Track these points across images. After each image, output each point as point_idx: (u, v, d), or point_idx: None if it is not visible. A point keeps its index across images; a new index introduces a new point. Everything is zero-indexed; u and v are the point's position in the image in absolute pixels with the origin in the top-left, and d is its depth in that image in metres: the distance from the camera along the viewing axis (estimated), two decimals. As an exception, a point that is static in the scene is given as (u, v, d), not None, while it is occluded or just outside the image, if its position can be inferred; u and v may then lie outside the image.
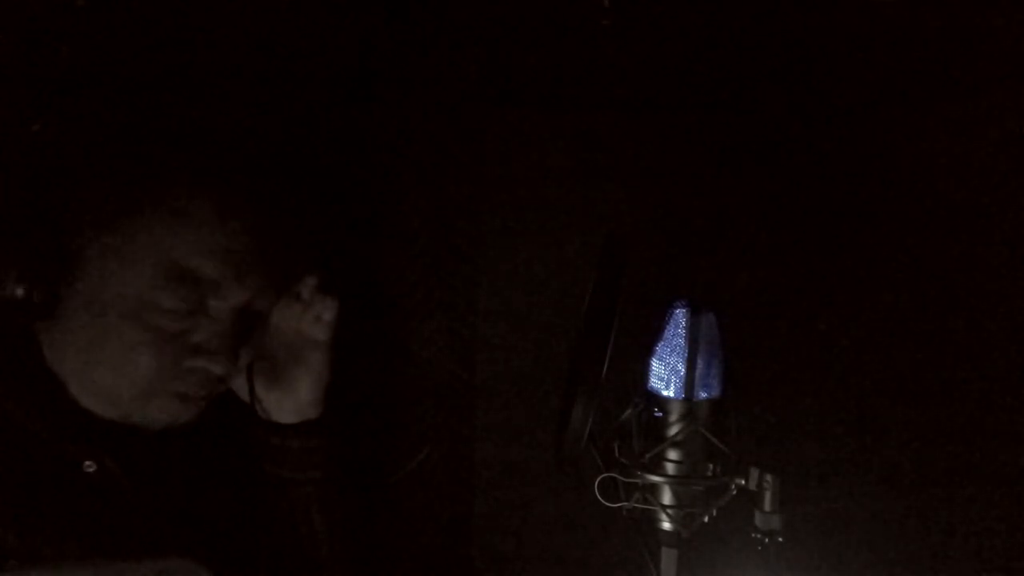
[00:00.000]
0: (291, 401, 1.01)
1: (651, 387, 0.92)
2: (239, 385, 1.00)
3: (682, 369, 0.90)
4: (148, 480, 0.91)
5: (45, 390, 0.89)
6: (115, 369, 0.89)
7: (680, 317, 0.90)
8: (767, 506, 0.90)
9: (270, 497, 1.01)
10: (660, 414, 0.91)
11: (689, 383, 0.89)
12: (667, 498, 0.91)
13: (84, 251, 0.87)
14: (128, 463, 0.90)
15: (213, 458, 0.98)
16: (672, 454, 0.91)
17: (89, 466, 0.88)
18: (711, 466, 0.91)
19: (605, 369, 0.85)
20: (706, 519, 0.92)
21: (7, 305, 0.84)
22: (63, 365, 0.90)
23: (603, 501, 0.91)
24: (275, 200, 0.97)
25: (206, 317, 0.91)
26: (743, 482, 0.91)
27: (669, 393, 0.90)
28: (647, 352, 0.92)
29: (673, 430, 0.90)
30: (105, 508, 0.88)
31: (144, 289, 0.87)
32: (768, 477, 0.90)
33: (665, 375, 0.91)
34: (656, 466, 0.91)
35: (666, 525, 0.92)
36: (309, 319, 1.01)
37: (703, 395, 0.91)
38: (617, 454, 0.93)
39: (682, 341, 0.90)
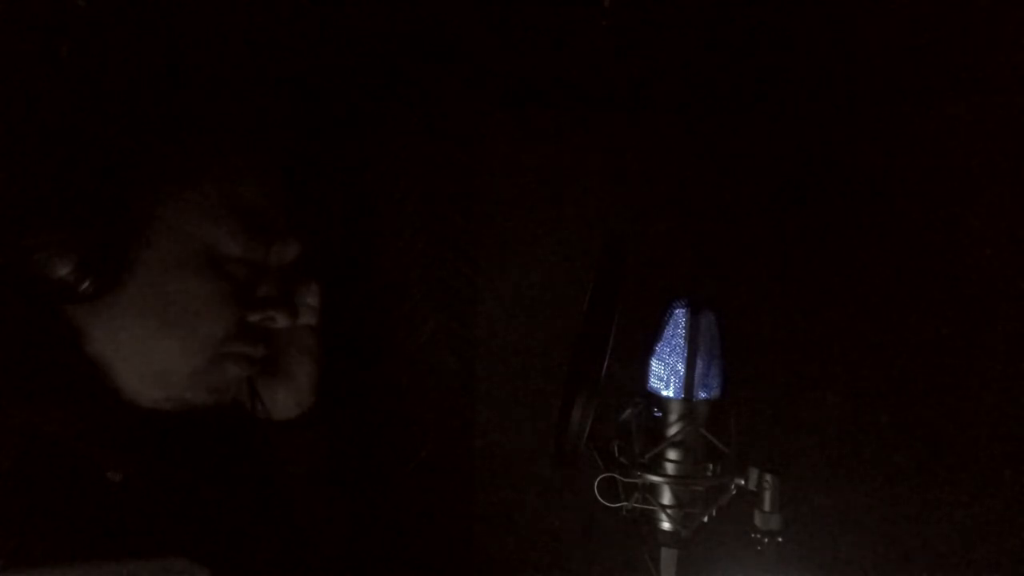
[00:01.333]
0: (292, 392, 1.00)
1: (651, 387, 0.92)
2: (240, 389, 0.99)
3: (682, 369, 0.90)
4: (168, 490, 0.89)
5: (80, 387, 0.85)
6: (184, 332, 0.86)
7: (680, 317, 0.90)
8: (767, 506, 0.90)
9: (273, 493, 1.01)
10: (660, 414, 0.91)
11: (689, 383, 0.89)
12: (667, 498, 0.91)
13: (156, 211, 0.84)
14: (153, 472, 0.88)
15: (225, 461, 0.98)
16: (672, 454, 0.91)
17: (114, 475, 0.85)
18: (711, 466, 0.91)
19: (605, 369, 0.85)
20: (706, 519, 0.92)
21: (59, 287, 0.78)
22: (116, 346, 0.85)
23: (603, 501, 0.91)
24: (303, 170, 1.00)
25: (268, 269, 0.91)
26: (743, 482, 0.91)
27: (669, 393, 0.90)
28: (647, 352, 0.92)
29: (673, 430, 0.90)
30: (115, 513, 0.87)
31: (221, 238, 0.87)
32: (768, 477, 0.90)
33: (665, 375, 0.91)
34: (656, 466, 0.91)
35: (666, 525, 0.92)
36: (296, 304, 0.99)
37: (703, 395, 0.90)
38: (617, 454, 0.93)
39: (682, 341, 0.90)
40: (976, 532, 1.25)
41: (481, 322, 1.25)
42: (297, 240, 0.93)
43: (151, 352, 0.86)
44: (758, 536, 0.91)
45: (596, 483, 0.91)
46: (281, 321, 0.92)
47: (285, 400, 1.00)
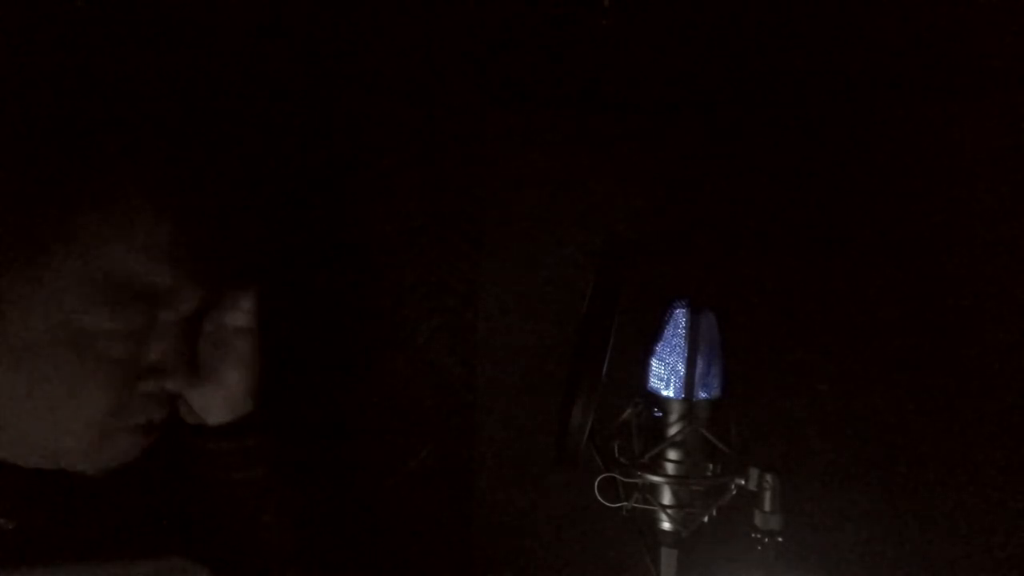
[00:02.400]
0: (224, 398, 0.91)
1: (651, 387, 0.92)
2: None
3: (682, 369, 0.90)
4: (80, 526, 0.82)
5: None
6: (57, 416, 0.77)
7: (680, 317, 0.90)
8: (767, 506, 0.90)
9: (214, 500, 0.93)
10: (660, 414, 0.91)
11: (689, 383, 0.89)
12: (667, 498, 0.91)
13: (5, 294, 0.74)
14: (57, 511, 0.81)
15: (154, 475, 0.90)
16: (672, 454, 0.91)
17: (5, 524, 0.78)
18: (711, 466, 0.91)
19: (605, 369, 0.85)
20: (706, 519, 0.92)
21: None
22: None
23: (603, 501, 0.91)
24: (218, 190, 0.87)
25: (155, 333, 0.80)
26: (743, 482, 0.91)
27: (669, 393, 0.90)
28: (647, 352, 0.92)
29: (673, 430, 0.90)
30: (116, 514, 0.85)
31: (81, 314, 0.75)
32: (768, 477, 0.90)
33: (665, 375, 0.91)
34: (656, 466, 0.91)
35: (666, 525, 0.92)
36: (228, 307, 0.92)
37: (703, 395, 0.91)
38: (617, 454, 0.93)
39: (682, 341, 0.90)
40: (976, 532, 1.25)
41: (481, 322, 1.25)
42: (197, 292, 0.81)
43: (23, 436, 0.78)
44: (758, 536, 0.91)
45: (596, 483, 0.91)
46: (176, 387, 0.82)
47: (217, 405, 0.91)
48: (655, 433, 0.91)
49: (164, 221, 0.78)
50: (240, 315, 0.92)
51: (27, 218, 0.75)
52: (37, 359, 0.75)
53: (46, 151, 0.77)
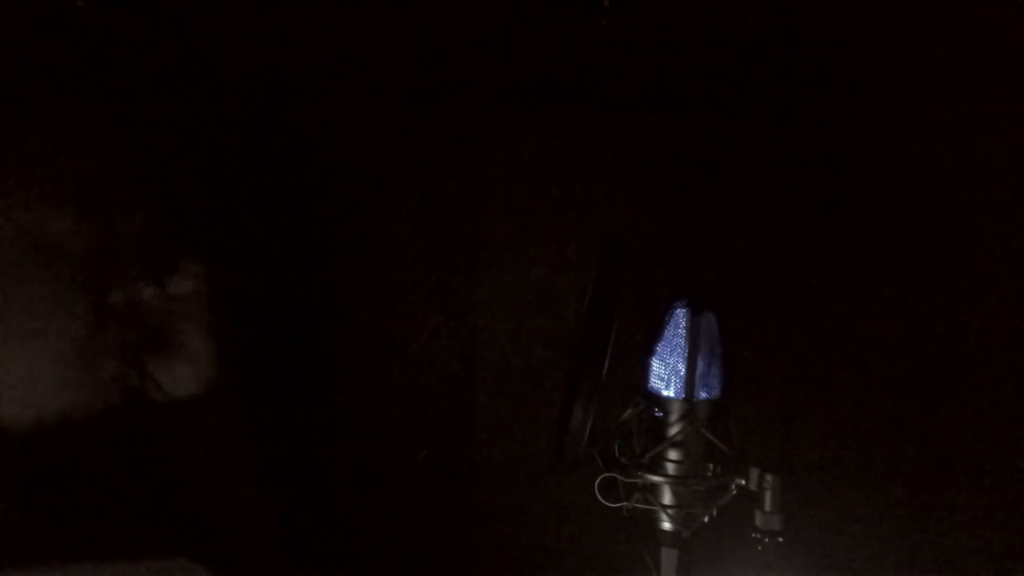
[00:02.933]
0: (188, 364, 0.92)
1: (651, 387, 0.92)
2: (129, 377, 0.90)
3: (682, 369, 0.90)
4: (80, 526, 0.81)
5: None
6: (36, 344, 0.75)
7: (680, 317, 0.90)
8: (767, 506, 0.90)
9: (182, 483, 0.93)
10: (660, 414, 0.91)
11: (689, 383, 0.89)
12: (667, 498, 0.91)
13: None
14: (57, 511, 0.80)
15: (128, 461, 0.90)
16: (672, 454, 0.91)
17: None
18: (711, 466, 0.91)
19: (605, 369, 0.85)
20: (706, 519, 0.92)
21: None
22: None
23: (603, 501, 0.90)
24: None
25: (117, 241, 0.79)
26: (743, 482, 0.91)
27: (669, 393, 0.90)
28: (647, 352, 0.92)
29: (673, 430, 0.90)
30: (115, 513, 0.85)
31: (49, 218, 0.74)
32: (768, 477, 0.90)
33: (665, 375, 0.91)
34: (656, 466, 0.91)
35: (666, 525, 0.92)
36: (189, 281, 0.92)
37: (703, 395, 0.90)
38: (617, 454, 0.93)
39: (682, 341, 0.90)
40: (976, 532, 1.25)
41: (481, 322, 1.25)
42: (148, 207, 0.81)
43: (4, 368, 0.76)
44: (758, 536, 0.91)
45: (596, 483, 0.91)
46: (147, 293, 0.82)
47: (183, 374, 0.92)
48: (655, 433, 0.91)
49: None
50: (184, 280, 0.91)
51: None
52: (8, 278, 0.73)
53: None
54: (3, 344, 0.76)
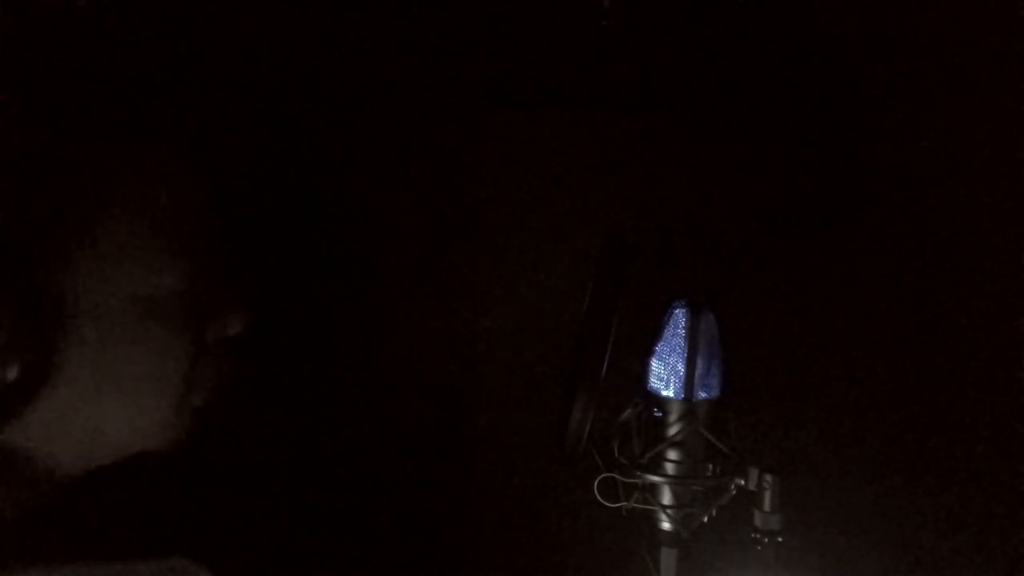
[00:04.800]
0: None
1: (651, 387, 0.92)
2: None
3: (682, 369, 0.90)
4: (80, 526, 0.77)
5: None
6: (138, 401, 0.71)
7: (680, 317, 0.90)
8: (767, 506, 0.90)
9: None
10: (660, 414, 0.91)
11: (689, 383, 0.89)
12: (667, 498, 0.91)
13: (63, 273, 0.67)
14: (57, 511, 0.76)
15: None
16: (672, 454, 0.91)
17: None
18: (711, 466, 0.91)
19: (605, 369, 0.85)
20: (706, 519, 0.92)
21: None
22: (55, 431, 0.69)
23: (603, 501, 0.91)
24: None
25: (203, 278, 0.75)
26: (743, 482, 0.91)
27: (669, 393, 0.90)
28: (647, 352, 0.92)
29: (673, 430, 0.90)
30: (115, 513, 0.85)
31: (149, 276, 0.69)
32: (768, 477, 0.90)
33: (665, 375, 0.91)
34: (656, 466, 0.91)
35: (666, 525, 0.92)
36: None
37: (703, 395, 0.90)
38: (617, 454, 0.93)
39: (682, 341, 0.90)
40: (976, 532, 1.25)
41: (481, 322, 1.25)
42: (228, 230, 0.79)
43: (102, 433, 0.71)
44: (758, 536, 0.91)
45: (596, 483, 0.91)
46: (237, 327, 0.78)
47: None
48: (655, 433, 0.91)
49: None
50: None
51: (80, 173, 0.67)
52: (114, 338, 0.68)
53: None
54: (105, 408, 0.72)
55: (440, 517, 1.28)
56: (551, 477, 1.26)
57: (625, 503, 0.92)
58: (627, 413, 0.94)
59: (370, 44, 1.17)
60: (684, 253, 1.23)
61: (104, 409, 0.70)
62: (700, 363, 0.90)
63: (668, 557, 0.92)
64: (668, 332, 0.91)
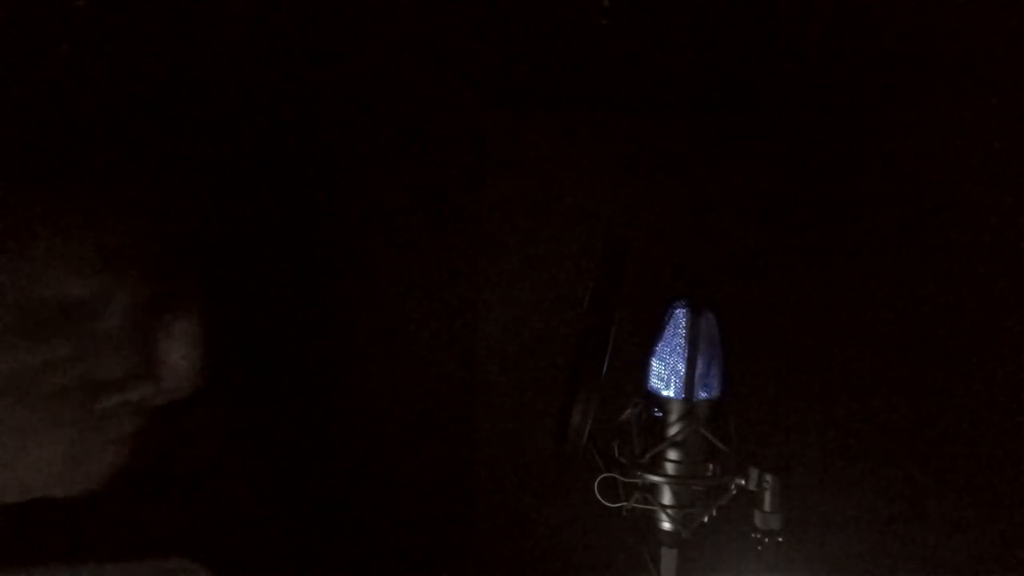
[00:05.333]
0: (173, 371, 0.87)
1: (651, 387, 0.92)
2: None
3: (682, 369, 0.90)
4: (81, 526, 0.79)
5: None
6: (23, 459, 0.73)
7: (680, 317, 0.90)
8: (767, 506, 0.90)
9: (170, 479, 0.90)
10: (660, 414, 0.91)
11: (689, 383, 0.89)
12: (667, 498, 0.91)
13: None
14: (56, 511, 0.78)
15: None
16: (672, 454, 0.91)
17: None
18: (711, 466, 0.91)
19: (605, 369, 0.85)
20: (706, 519, 0.92)
21: None
22: None
23: (603, 501, 0.91)
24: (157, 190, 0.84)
25: (99, 346, 0.76)
26: (743, 482, 0.91)
27: (669, 393, 0.90)
28: (647, 352, 0.92)
29: (673, 430, 0.90)
30: (115, 513, 0.85)
31: (18, 350, 0.71)
32: (768, 477, 0.90)
33: (665, 375, 0.91)
34: (656, 466, 0.91)
35: (666, 525, 0.92)
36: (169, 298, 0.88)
37: (703, 395, 0.90)
38: (617, 454, 0.93)
39: (682, 341, 0.90)
40: (976, 532, 1.25)
41: (481, 322, 1.25)
42: (131, 292, 0.78)
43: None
44: (758, 536, 0.91)
45: (596, 483, 0.91)
46: (137, 396, 0.79)
47: (171, 387, 0.88)
48: (655, 433, 0.91)
49: (89, 233, 0.74)
50: (182, 301, 0.89)
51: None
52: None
53: None
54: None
55: (440, 517, 1.28)
56: (551, 477, 1.26)
57: (625, 503, 0.92)
58: (627, 413, 0.94)
59: (370, 44, 1.17)
60: (684, 253, 1.22)
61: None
62: (700, 363, 0.90)
63: (668, 557, 0.92)
64: (668, 332, 0.91)
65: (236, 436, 1.06)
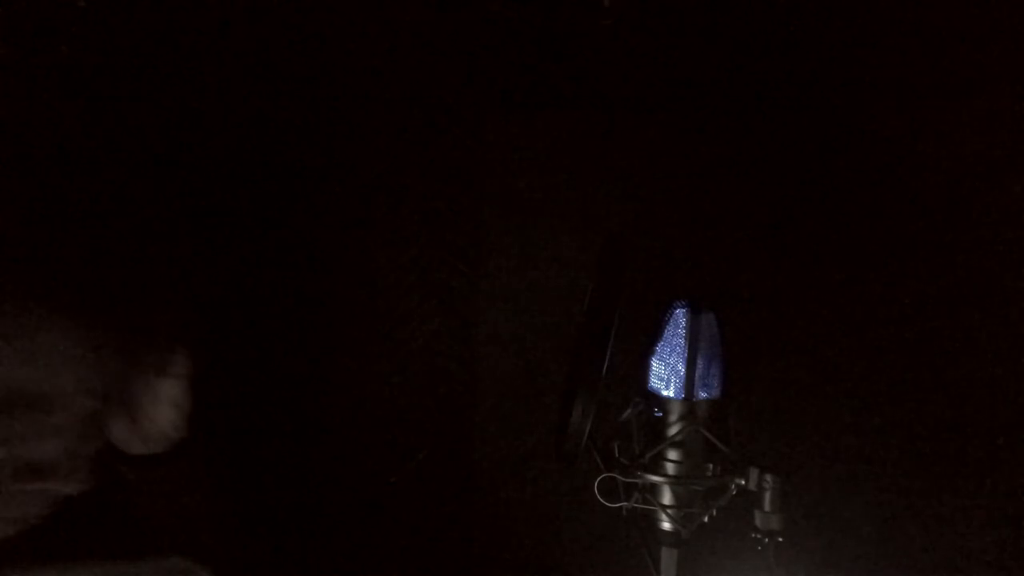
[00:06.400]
0: (145, 432, 0.87)
1: (651, 387, 0.92)
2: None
3: (682, 369, 0.90)
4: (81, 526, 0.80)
5: None
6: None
7: (680, 317, 0.90)
8: (767, 506, 0.90)
9: (148, 526, 0.90)
10: (660, 414, 0.91)
11: (689, 383, 0.89)
12: (667, 498, 0.91)
13: None
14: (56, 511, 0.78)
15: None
16: (672, 454, 0.91)
17: None
18: (711, 466, 0.91)
19: (605, 369, 0.85)
20: (706, 519, 0.92)
21: None
22: None
23: (603, 501, 0.90)
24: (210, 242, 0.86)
25: (41, 434, 0.75)
26: (743, 482, 0.91)
27: (669, 393, 0.90)
28: (647, 352, 0.92)
29: (673, 430, 0.90)
30: (115, 513, 0.85)
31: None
32: (768, 477, 0.90)
33: (665, 375, 0.91)
34: (656, 466, 0.91)
35: (666, 525, 0.92)
36: (157, 358, 0.86)
37: (703, 395, 0.90)
38: (617, 454, 0.93)
39: (682, 341, 0.90)
40: (976, 532, 1.25)
41: (481, 322, 1.25)
42: (90, 395, 0.76)
43: None
44: (758, 536, 0.90)
45: (596, 483, 0.91)
46: (65, 488, 0.77)
47: (138, 440, 0.87)
48: (655, 433, 0.91)
49: (64, 324, 0.73)
50: (172, 364, 0.87)
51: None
52: None
53: None
54: None
55: (440, 516, 1.28)
56: (551, 477, 1.26)
57: (625, 503, 0.91)
58: (627, 413, 0.93)
59: (371, 45, 1.17)
60: (684, 253, 1.22)
61: None
62: (700, 363, 0.90)
63: (668, 557, 0.92)
64: (668, 332, 0.91)
65: (236, 436, 1.06)
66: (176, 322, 0.87)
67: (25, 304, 0.71)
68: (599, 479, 0.91)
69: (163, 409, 0.87)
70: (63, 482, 0.77)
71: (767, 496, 0.90)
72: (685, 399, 0.90)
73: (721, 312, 0.91)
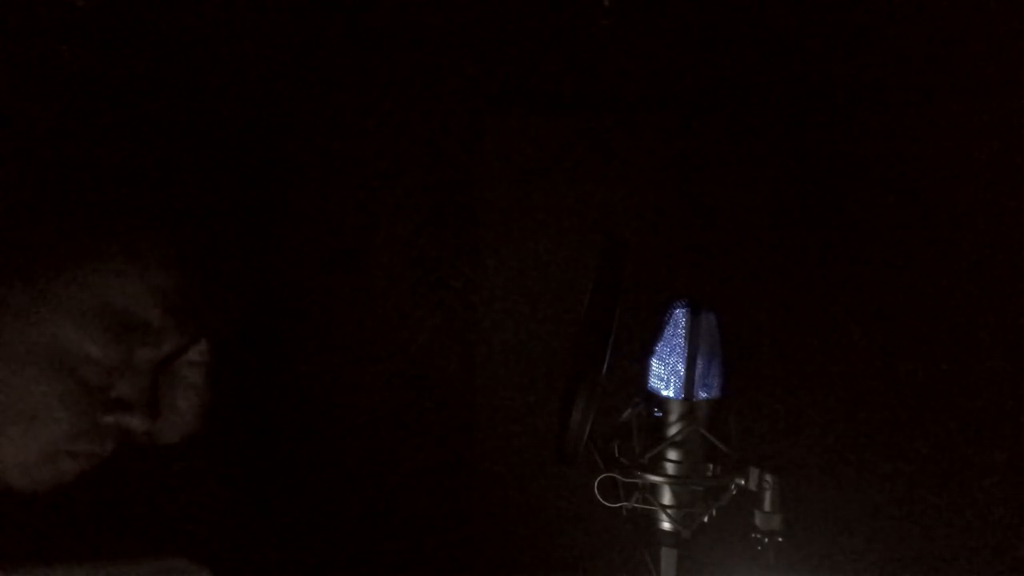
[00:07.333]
0: (171, 422, 0.91)
1: (651, 387, 0.92)
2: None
3: (682, 369, 0.90)
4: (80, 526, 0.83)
5: None
6: (10, 431, 0.77)
7: (680, 317, 0.90)
8: (767, 506, 0.90)
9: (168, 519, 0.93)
10: (660, 414, 0.91)
11: (689, 383, 0.89)
12: (667, 498, 0.91)
13: (6, 300, 0.76)
14: (56, 511, 0.82)
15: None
16: (672, 454, 0.91)
17: None
18: (711, 466, 0.91)
19: (605, 369, 0.85)
20: (706, 519, 0.92)
21: None
22: None
23: (603, 501, 0.90)
24: (219, 242, 0.90)
25: (130, 369, 0.82)
26: (743, 482, 0.91)
27: (669, 393, 0.90)
28: (647, 352, 0.92)
29: (673, 430, 0.90)
30: (115, 513, 0.85)
31: (72, 338, 0.78)
32: (768, 477, 0.90)
33: (665, 375, 0.91)
34: (656, 466, 0.91)
35: (666, 525, 0.92)
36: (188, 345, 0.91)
37: (703, 395, 0.90)
38: (617, 454, 0.93)
39: (682, 341, 0.90)
40: (976, 532, 1.25)
41: (481, 322, 1.25)
42: (182, 336, 0.83)
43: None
44: (758, 536, 0.91)
45: (596, 483, 0.91)
46: (137, 426, 0.83)
47: (167, 431, 0.91)
48: (655, 433, 0.91)
49: (171, 267, 0.81)
50: (196, 351, 0.91)
51: (37, 236, 0.77)
52: (14, 371, 0.76)
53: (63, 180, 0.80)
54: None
55: (441, 517, 1.28)
56: (551, 477, 1.26)
57: (625, 503, 0.91)
58: (627, 413, 0.94)
59: (370, 45, 1.17)
60: (684, 253, 1.23)
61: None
62: (700, 363, 0.90)
63: (668, 557, 0.92)
64: (668, 332, 0.91)
65: (235, 436, 1.06)
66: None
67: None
68: (599, 479, 0.91)
69: (184, 394, 0.90)
70: (134, 418, 0.82)
71: (767, 496, 0.90)
72: (685, 399, 0.90)
73: (721, 312, 0.91)
